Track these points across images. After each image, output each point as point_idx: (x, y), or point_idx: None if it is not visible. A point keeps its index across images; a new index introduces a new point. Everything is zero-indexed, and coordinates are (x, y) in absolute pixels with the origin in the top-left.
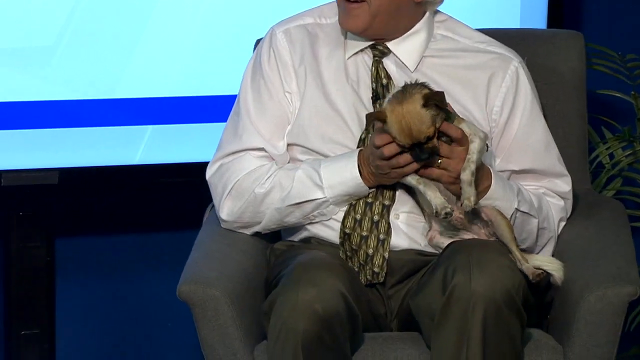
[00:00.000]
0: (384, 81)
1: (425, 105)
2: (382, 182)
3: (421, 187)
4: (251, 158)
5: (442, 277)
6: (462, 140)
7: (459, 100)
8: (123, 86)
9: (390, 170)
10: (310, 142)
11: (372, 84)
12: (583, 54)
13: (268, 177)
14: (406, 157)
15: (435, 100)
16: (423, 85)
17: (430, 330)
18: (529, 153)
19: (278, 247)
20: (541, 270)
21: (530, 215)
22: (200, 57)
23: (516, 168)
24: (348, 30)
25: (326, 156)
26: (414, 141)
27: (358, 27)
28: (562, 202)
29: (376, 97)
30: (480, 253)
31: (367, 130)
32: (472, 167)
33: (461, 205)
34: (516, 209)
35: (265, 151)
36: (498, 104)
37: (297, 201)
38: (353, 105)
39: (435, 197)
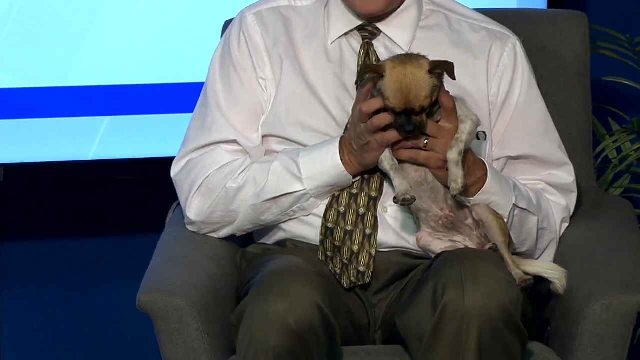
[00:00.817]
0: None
1: (431, 71)
2: (363, 163)
3: (392, 173)
4: (222, 152)
5: (432, 293)
6: (452, 118)
7: (457, 82)
8: (76, 73)
9: (370, 139)
10: (287, 131)
11: (358, 67)
12: (587, 36)
13: (241, 172)
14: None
15: (444, 69)
16: (423, 55)
17: (419, 352)
18: (526, 136)
19: (250, 250)
20: (528, 277)
21: (530, 212)
22: (164, 40)
23: (512, 154)
24: (369, 13)
25: (305, 145)
26: (407, 106)
27: (380, 7)
28: (564, 201)
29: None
30: (474, 265)
31: (357, 83)
32: (461, 146)
33: (448, 188)
34: (514, 205)
35: (238, 144)
36: (495, 84)
37: (274, 195)
38: (335, 91)
39: (400, 183)
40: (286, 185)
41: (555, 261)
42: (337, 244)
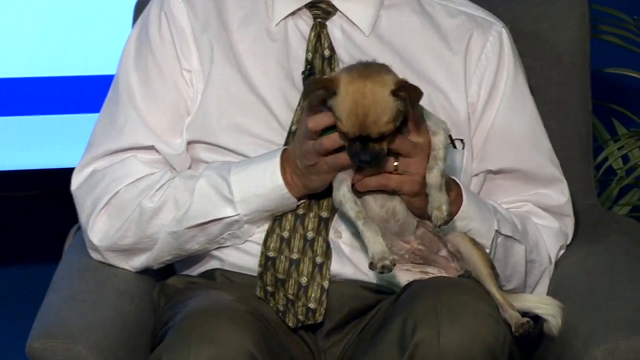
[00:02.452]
0: (326, 52)
1: (395, 93)
2: (310, 186)
3: (360, 224)
4: (137, 162)
5: (400, 331)
6: (422, 129)
7: (427, 74)
8: None
9: (318, 160)
10: (219, 137)
11: (307, 54)
12: (586, 19)
13: (159, 188)
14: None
15: (410, 94)
16: (387, 68)
17: None
18: (510, 146)
19: (171, 283)
20: (526, 320)
21: (515, 240)
22: (62, 25)
23: (493, 167)
24: None
25: (244, 156)
26: (363, 132)
27: None
28: (556, 224)
29: (310, 74)
30: (452, 296)
31: (303, 101)
32: (441, 165)
33: (429, 218)
34: (497, 231)
35: (157, 151)
36: (476, 82)
37: (200, 221)
38: (280, 86)
39: (374, 241)
40: (214, 209)
41: (548, 288)
42: (280, 276)
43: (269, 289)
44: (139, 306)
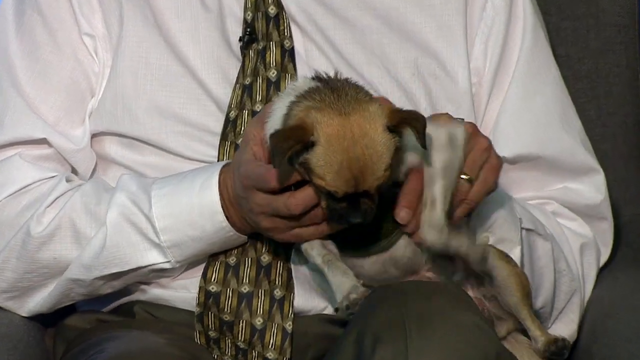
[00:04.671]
0: (271, 10)
1: (393, 128)
2: (259, 229)
3: (325, 270)
4: (21, 163)
5: (355, 350)
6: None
7: (410, 32)
8: None
9: (278, 225)
10: (134, 125)
11: (245, 13)
12: None
13: (51, 204)
14: (320, 213)
15: (411, 126)
16: (360, 88)
17: None
18: (530, 126)
19: (72, 324)
20: (561, 337)
21: (538, 234)
22: None
23: (508, 153)
24: None
25: (169, 152)
26: (357, 190)
27: None
28: (588, 231)
29: (250, 40)
30: (423, 303)
31: (276, 166)
32: (441, 182)
33: (422, 239)
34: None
35: (49, 145)
36: (480, 42)
37: (114, 271)
38: (214, 54)
39: (340, 281)
40: (135, 253)
41: (584, 330)
42: (226, 317)
43: (212, 334)
44: (27, 356)
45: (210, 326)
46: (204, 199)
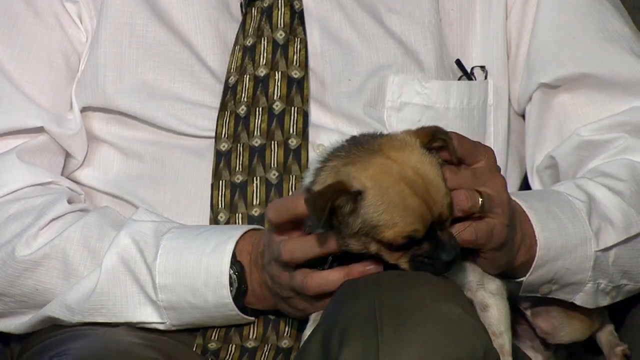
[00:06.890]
0: None
1: (430, 147)
2: (280, 309)
3: None
4: (14, 163)
5: (320, 348)
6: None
7: None
8: None
9: (296, 298)
10: (120, 98)
11: None
12: None
13: (45, 227)
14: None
15: (441, 138)
16: (378, 133)
17: None
18: (562, 43)
19: (35, 343)
20: (626, 346)
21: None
22: None
23: (547, 79)
24: None
25: (160, 128)
26: (432, 217)
27: None
28: None
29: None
30: (398, 293)
31: (317, 229)
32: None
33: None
34: (599, 251)
35: (46, 132)
36: None
37: (99, 320)
38: (210, 21)
39: None
40: (128, 305)
41: None
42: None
43: (212, 345)
44: None
45: (211, 336)
46: (212, 266)
